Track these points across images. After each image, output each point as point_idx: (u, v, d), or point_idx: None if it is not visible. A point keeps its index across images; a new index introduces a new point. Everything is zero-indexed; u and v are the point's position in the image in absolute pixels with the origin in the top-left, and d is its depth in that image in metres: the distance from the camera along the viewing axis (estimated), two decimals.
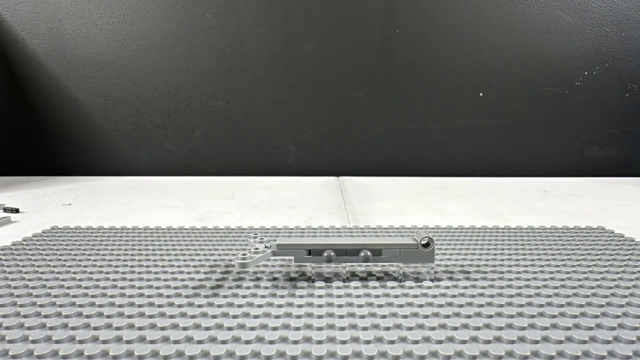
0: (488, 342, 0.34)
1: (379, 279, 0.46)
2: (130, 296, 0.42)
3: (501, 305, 0.40)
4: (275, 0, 1.20)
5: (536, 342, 0.34)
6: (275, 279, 0.47)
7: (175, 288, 0.44)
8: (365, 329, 0.36)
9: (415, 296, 0.42)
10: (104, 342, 0.34)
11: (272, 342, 0.34)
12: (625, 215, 0.80)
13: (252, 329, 0.36)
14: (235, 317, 0.38)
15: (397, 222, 0.74)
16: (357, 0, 1.21)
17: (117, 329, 0.36)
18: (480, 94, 1.25)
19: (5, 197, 0.95)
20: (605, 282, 0.45)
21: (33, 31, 1.21)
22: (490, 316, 0.38)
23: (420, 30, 1.22)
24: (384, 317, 0.38)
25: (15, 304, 0.40)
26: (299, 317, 0.38)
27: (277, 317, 0.38)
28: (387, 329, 0.36)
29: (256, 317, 0.38)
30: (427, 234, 0.46)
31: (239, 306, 0.40)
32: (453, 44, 1.23)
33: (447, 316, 0.38)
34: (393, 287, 0.44)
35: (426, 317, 0.38)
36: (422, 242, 0.45)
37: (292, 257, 0.49)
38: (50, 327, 0.36)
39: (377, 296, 0.42)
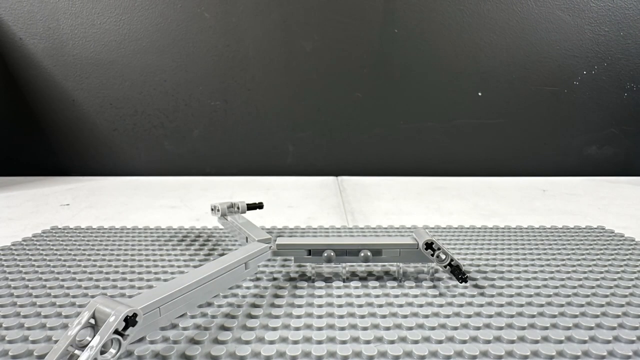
0: (488, 342, 0.34)
1: (378, 278, 0.46)
2: (130, 296, 0.42)
3: (501, 305, 0.40)
4: None
5: (536, 342, 0.34)
6: (275, 279, 0.47)
7: None
8: (365, 329, 0.36)
9: (415, 296, 0.42)
10: None
11: (272, 342, 0.34)
12: (625, 215, 0.80)
13: (252, 329, 0.36)
14: (234, 317, 0.38)
15: (396, 222, 0.74)
16: None
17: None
18: (479, 94, 1.25)
19: (3, 197, 0.95)
20: (605, 282, 0.45)
21: (31, 31, 1.21)
22: (490, 316, 0.38)
23: (419, 29, 1.22)
24: (384, 317, 0.38)
25: (15, 304, 0.40)
26: (299, 317, 0.38)
27: (277, 317, 0.38)
28: (387, 328, 0.36)
29: (256, 317, 0.38)
30: (428, 234, 0.46)
31: (239, 306, 0.40)
32: (452, 43, 1.23)
33: (447, 316, 0.38)
34: (393, 287, 0.44)
35: (426, 317, 0.38)
36: (425, 244, 0.45)
37: (292, 257, 0.49)
38: (50, 327, 0.36)
39: (377, 296, 0.42)
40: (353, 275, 0.47)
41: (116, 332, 0.28)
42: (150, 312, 0.31)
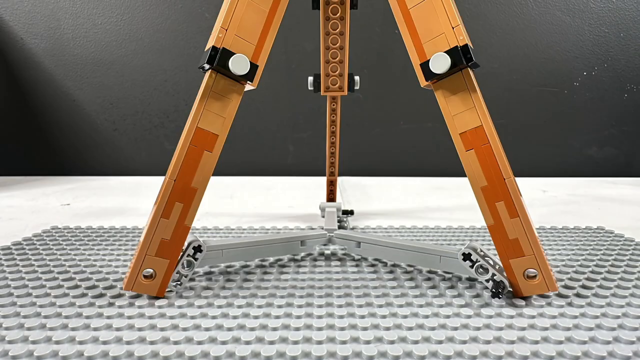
0: (488, 342, 0.34)
1: (391, 271, 0.46)
2: (130, 297, 0.42)
3: (501, 306, 0.40)
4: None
5: (536, 342, 0.34)
6: (276, 279, 0.47)
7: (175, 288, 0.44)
8: (365, 329, 0.36)
9: (415, 296, 0.42)
10: (104, 342, 0.34)
11: (272, 343, 0.34)
12: (625, 216, 0.80)
13: (252, 329, 0.36)
14: (235, 317, 0.38)
15: (396, 222, 0.74)
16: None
17: (117, 329, 0.36)
18: None
19: (3, 197, 0.95)
20: (606, 282, 0.45)
21: (32, 31, 1.21)
22: (490, 316, 0.38)
23: None
24: (384, 317, 0.38)
25: (15, 304, 0.40)
26: (298, 317, 0.38)
27: (277, 317, 0.38)
28: (387, 329, 0.36)
29: (256, 317, 0.38)
30: (476, 245, 0.44)
31: (239, 307, 0.40)
32: None
33: (447, 316, 0.38)
34: (393, 287, 0.44)
35: (426, 317, 0.38)
36: (463, 255, 0.43)
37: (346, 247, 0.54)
38: (50, 327, 0.36)
39: (377, 296, 0.42)
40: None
41: (190, 255, 0.44)
42: (214, 250, 0.47)
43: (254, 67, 0.42)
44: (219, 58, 0.40)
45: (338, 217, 0.73)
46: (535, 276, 0.40)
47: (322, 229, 0.63)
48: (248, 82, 0.42)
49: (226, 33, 0.40)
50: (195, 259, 0.44)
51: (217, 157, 0.42)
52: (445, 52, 0.39)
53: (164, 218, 0.41)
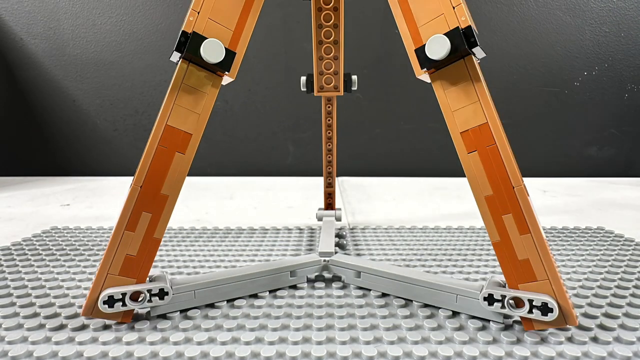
0: (488, 342, 0.34)
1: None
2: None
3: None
4: (274, 0, 1.20)
5: (536, 343, 0.34)
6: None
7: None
8: (364, 329, 0.36)
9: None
10: (104, 343, 0.34)
11: (271, 343, 0.34)
12: (625, 216, 0.80)
13: (252, 329, 0.36)
14: (235, 318, 0.38)
15: (396, 222, 0.74)
16: (357, 0, 1.21)
17: (117, 330, 0.36)
18: None
19: (3, 197, 0.95)
20: (605, 282, 0.45)
21: (31, 31, 1.21)
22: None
23: None
24: (383, 317, 0.38)
25: (14, 304, 0.40)
26: (298, 317, 0.38)
27: (277, 318, 0.38)
28: (387, 329, 0.36)
29: (256, 318, 0.38)
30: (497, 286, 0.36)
31: (239, 307, 0.40)
32: None
33: (447, 317, 0.38)
34: None
35: (426, 317, 0.38)
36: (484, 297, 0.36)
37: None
38: (50, 327, 0.36)
39: (377, 296, 0.42)
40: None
41: (152, 294, 0.37)
42: (184, 292, 0.39)
43: (230, 54, 0.36)
44: (189, 44, 0.34)
45: (336, 232, 0.64)
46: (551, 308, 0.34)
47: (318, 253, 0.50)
48: (225, 72, 0.36)
49: (198, 16, 0.35)
50: (150, 300, 0.36)
51: (191, 159, 0.37)
52: (444, 34, 0.33)
53: (128, 231, 0.35)
